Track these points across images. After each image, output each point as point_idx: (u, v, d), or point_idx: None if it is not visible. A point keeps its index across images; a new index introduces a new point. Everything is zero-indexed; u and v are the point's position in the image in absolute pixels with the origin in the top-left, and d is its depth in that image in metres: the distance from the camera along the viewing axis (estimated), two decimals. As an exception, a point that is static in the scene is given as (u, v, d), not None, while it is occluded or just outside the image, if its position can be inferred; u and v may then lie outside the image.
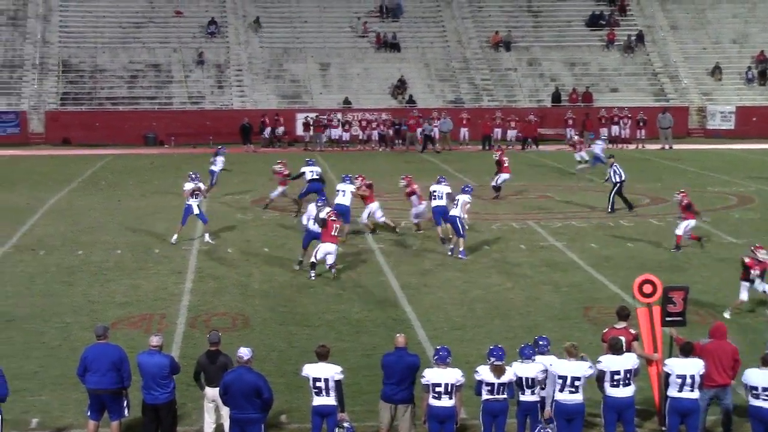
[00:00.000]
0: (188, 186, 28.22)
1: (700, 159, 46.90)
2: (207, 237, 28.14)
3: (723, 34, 65.36)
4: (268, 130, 55.18)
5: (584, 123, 54.83)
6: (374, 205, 29.13)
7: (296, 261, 24.92)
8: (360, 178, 29.57)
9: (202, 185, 28.50)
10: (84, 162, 48.15)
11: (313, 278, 23.76)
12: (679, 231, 26.97)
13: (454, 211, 26.02)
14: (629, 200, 32.79)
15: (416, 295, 22.51)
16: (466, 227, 26.20)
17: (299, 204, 31.93)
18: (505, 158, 36.39)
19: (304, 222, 25.11)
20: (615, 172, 32.54)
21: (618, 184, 32.56)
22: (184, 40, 62.44)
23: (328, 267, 23.96)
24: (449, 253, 26.13)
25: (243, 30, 63.55)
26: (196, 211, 27.96)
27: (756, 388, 13.83)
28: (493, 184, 36.22)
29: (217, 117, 57.53)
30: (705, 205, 30.86)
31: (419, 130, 54.88)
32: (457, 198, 26.24)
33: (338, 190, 29.00)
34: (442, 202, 27.15)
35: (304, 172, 32.43)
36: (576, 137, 42.00)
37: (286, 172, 32.56)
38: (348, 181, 29.05)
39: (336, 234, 23.93)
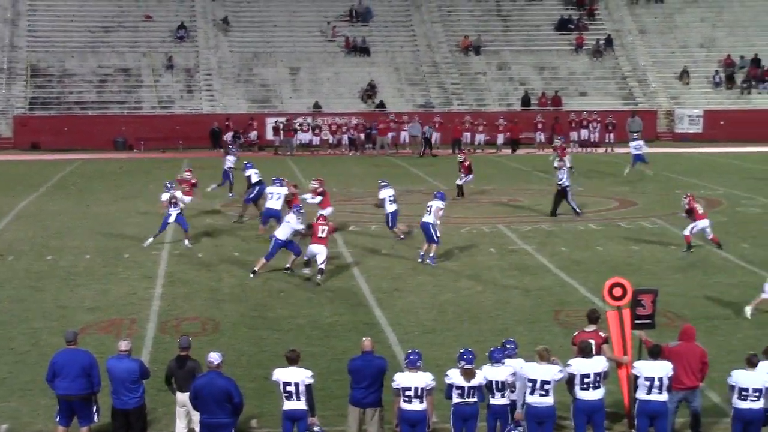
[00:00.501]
0: (165, 196, 28.10)
1: (668, 162, 47.15)
2: (186, 242, 28.04)
3: (690, 38, 65.80)
4: (229, 135, 54.98)
5: (554, 127, 55.04)
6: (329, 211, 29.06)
7: (285, 268, 24.93)
8: (317, 181, 29.65)
9: (178, 193, 28.34)
10: (53, 167, 47.90)
11: (308, 272, 24.21)
12: (691, 231, 27.17)
13: (427, 218, 25.92)
14: (557, 209, 32.78)
15: (387, 299, 22.53)
16: (439, 234, 26.15)
17: (245, 208, 31.88)
18: (467, 162, 37.23)
19: (285, 232, 24.68)
20: (566, 175, 32.61)
21: (569, 187, 32.62)
22: (153, 45, 62.24)
23: (318, 269, 24.01)
24: (419, 260, 26.08)
25: (213, 34, 63.42)
26: (172, 219, 27.88)
27: (746, 390, 13.90)
28: (459, 182, 36.99)
29: (186, 121, 57.36)
30: (674, 208, 31.01)
31: (390, 134, 55.09)
32: (429, 204, 26.18)
33: (269, 193, 29.00)
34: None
35: (249, 176, 32.46)
36: (559, 142, 42.15)
37: (194, 181, 31.58)
38: (278, 184, 29.02)
39: (324, 236, 24.05)
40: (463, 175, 36.99)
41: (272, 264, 24.63)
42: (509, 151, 54.40)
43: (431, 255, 25.89)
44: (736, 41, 64.90)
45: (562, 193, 32.58)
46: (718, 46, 64.86)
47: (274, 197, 28.62)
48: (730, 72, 63.07)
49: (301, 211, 25.11)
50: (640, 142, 44.09)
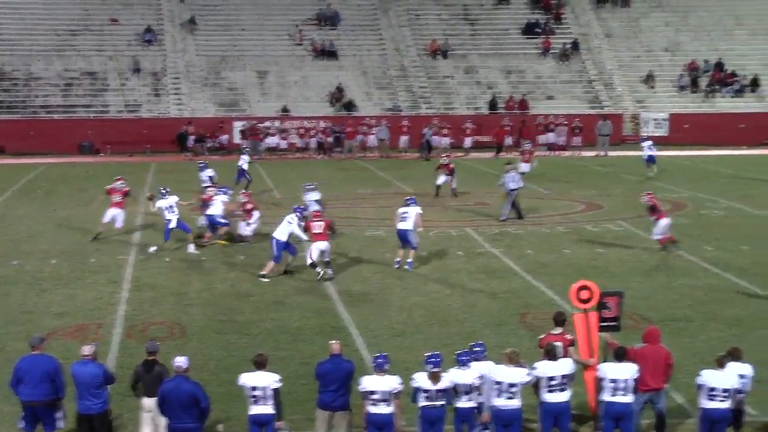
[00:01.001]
0: (162, 203, 27.96)
1: (634, 165, 47.45)
2: (191, 248, 27.78)
3: (656, 42, 66.25)
4: (191, 139, 54.95)
5: (521, 130, 55.23)
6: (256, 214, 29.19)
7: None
8: (244, 195, 29.84)
9: (174, 198, 28.21)
10: (19, 171, 47.61)
11: (320, 271, 24.27)
12: (658, 232, 27.41)
13: (403, 225, 25.72)
14: (521, 210, 33.02)
15: (355, 303, 22.55)
16: (418, 239, 26.13)
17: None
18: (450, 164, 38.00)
19: (284, 232, 24.79)
20: (512, 179, 32.77)
21: (514, 192, 32.79)
22: (119, 48, 61.97)
23: (325, 262, 24.35)
24: (395, 266, 25.98)
25: (180, 38, 63.24)
26: (173, 225, 27.75)
27: (714, 389, 14.01)
28: (439, 182, 37.62)
29: (153, 125, 57.12)
30: (639, 211, 31.21)
31: (358, 138, 55.20)
32: (405, 211, 26.12)
33: (214, 200, 29.19)
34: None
35: (206, 177, 32.92)
36: (527, 146, 42.50)
37: (126, 189, 30.85)
38: (223, 193, 29.33)
39: (322, 232, 24.37)
40: (444, 176, 37.45)
41: (245, 266, 24.58)
42: (477, 154, 54.50)
43: (409, 260, 25.85)
44: (701, 45, 65.44)
45: (512, 196, 32.78)
46: (683, 50, 65.38)
47: (218, 203, 28.70)
48: (694, 76, 63.57)
49: (305, 213, 25.55)
50: (650, 142, 45.34)
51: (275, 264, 24.74)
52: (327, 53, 62.93)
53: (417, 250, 26.06)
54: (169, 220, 27.73)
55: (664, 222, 27.61)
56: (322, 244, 24.32)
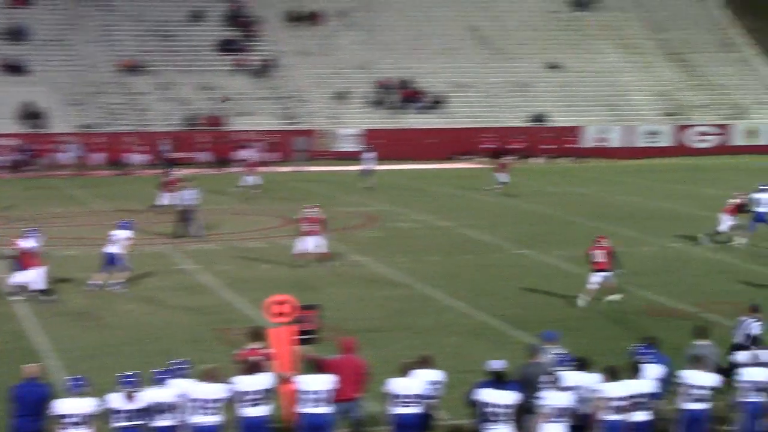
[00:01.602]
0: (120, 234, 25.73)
1: (328, 181, 48.50)
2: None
3: (348, 60, 67.75)
4: None
5: (218, 147, 55.24)
6: None
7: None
8: None
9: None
10: None
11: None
12: (307, 246, 27.91)
13: (110, 248, 25.24)
14: (194, 228, 32.99)
15: (48, 324, 21.96)
16: (124, 261, 25.63)
17: None
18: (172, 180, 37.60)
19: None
20: (188, 196, 33.04)
21: (184, 210, 33.06)
22: None
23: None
24: (94, 288, 25.35)
25: None
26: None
27: (401, 396, 14.49)
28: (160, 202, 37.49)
29: None
30: (335, 224, 31.96)
31: (50, 156, 53.66)
32: (114, 233, 25.51)
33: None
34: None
35: None
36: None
37: None
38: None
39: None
40: (165, 194, 37.20)
41: None
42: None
43: (117, 281, 25.37)
44: (391, 63, 67.51)
45: (182, 214, 32.97)
46: (374, 67, 67.20)
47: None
48: (385, 92, 65.66)
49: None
50: (372, 154, 47.02)
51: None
52: (16, 69, 60.69)
53: (124, 272, 25.70)
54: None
55: (311, 240, 28.03)
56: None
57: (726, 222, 31.57)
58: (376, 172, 46.74)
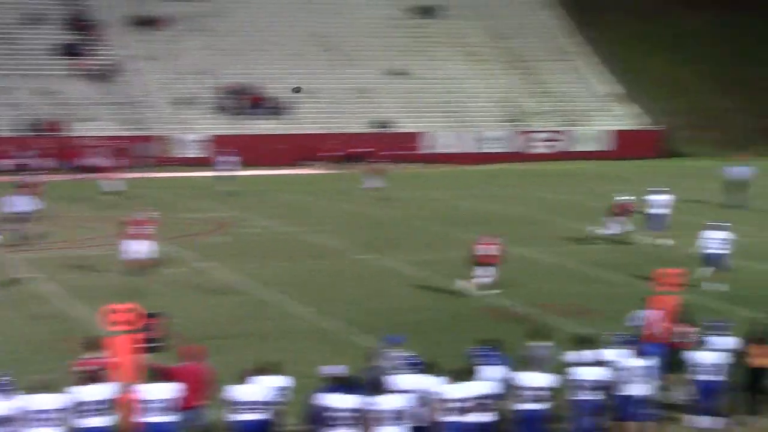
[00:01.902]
0: None
1: (175, 186, 47.95)
2: None
3: (195, 64, 67.03)
4: None
5: (60, 152, 54.13)
6: None
7: None
8: None
9: None
10: None
11: None
12: (139, 252, 27.51)
13: None
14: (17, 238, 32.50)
15: None
16: None
17: None
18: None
19: None
20: (19, 203, 32.72)
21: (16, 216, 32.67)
22: None
23: None
24: None
25: None
26: None
27: (241, 402, 14.52)
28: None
29: None
30: (177, 231, 31.65)
31: None
32: None
33: None
34: None
35: None
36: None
37: None
38: None
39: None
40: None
41: None
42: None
43: None
44: (236, 69, 67.09)
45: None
46: (221, 72, 66.64)
47: None
48: (230, 98, 65.28)
49: None
50: (234, 158, 47.21)
51: None
52: None
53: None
54: None
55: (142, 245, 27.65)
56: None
57: (616, 224, 33.28)
58: (236, 177, 46.49)
